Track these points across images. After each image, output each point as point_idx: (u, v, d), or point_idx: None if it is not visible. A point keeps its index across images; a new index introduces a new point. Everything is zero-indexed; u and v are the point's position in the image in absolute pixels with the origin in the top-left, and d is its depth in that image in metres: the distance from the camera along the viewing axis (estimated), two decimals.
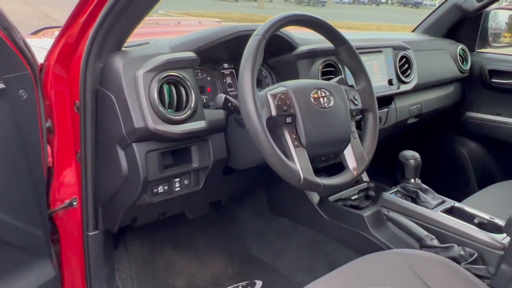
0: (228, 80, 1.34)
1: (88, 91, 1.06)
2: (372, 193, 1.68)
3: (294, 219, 1.69)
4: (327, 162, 1.53)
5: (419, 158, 1.47)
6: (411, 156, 1.48)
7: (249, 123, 0.97)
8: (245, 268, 1.66)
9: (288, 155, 1.02)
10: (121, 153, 1.08)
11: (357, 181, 1.70)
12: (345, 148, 1.15)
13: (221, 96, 1.05)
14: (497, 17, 2.25)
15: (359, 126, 1.31)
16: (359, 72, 1.22)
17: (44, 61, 1.13)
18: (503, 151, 2.08)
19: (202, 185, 1.22)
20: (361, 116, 1.25)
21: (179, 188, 1.17)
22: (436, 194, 1.47)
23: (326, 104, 1.09)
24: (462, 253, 1.26)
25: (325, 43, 1.37)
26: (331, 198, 1.59)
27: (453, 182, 2.18)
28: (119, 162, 1.09)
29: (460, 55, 2.05)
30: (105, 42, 1.03)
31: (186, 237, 1.71)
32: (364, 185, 1.69)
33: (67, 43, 1.09)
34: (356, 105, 1.18)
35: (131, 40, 1.12)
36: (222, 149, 1.22)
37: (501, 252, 1.21)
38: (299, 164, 1.01)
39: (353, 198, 1.63)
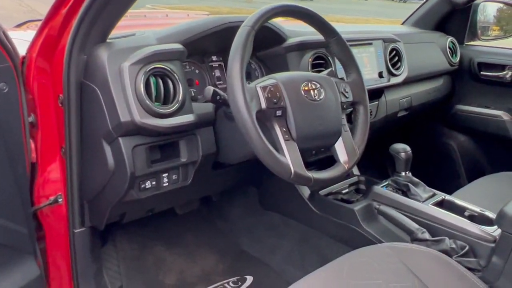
0: (217, 73, 1.32)
1: (72, 84, 1.03)
2: (362, 186, 1.67)
3: (285, 214, 1.67)
4: (317, 156, 1.52)
5: (410, 151, 1.46)
6: (402, 149, 1.47)
7: (238, 116, 0.94)
8: (235, 263, 1.64)
9: (278, 148, 1.00)
10: (107, 148, 1.05)
11: (347, 174, 1.69)
12: (336, 142, 1.14)
13: (210, 89, 1.02)
14: (486, 10, 2.25)
15: (350, 119, 1.29)
16: (350, 64, 1.20)
17: (26, 53, 1.10)
18: (492, 144, 2.08)
19: (190, 180, 1.19)
20: (351, 109, 1.24)
21: (167, 184, 1.14)
22: (427, 187, 1.46)
23: (316, 97, 1.07)
24: (453, 246, 1.25)
25: (315, 35, 1.35)
26: (322, 192, 1.57)
27: (442, 175, 2.18)
28: (105, 157, 1.06)
29: (449, 47, 2.04)
30: (89, 34, 0.99)
31: (175, 233, 1.68)
32: (354, 179, 1.68)
33: (50, 34, 1.05)
34: (347, 97, 1.16)
35: (116, 32, 1.09)
36: (211, 143, 1.19)
37: (492, 245, 1.21)
38: (289, 157, 1.00)
39: (343, 192, 1.62)
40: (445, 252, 1.22)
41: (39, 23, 1.09)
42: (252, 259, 1.66)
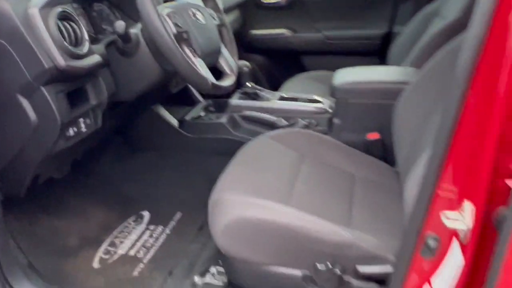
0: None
1: None
2: (212, 109, 1.94)
3: (158, 149, 1.81)
4: None
5: (250, 65, 1.80)
6: (244, 64, 1.79)
7: (162, 41, 1.07)
8: (126, 208, 1.69)
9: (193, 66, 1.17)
10: (25, 102, 1.02)
11: (194, 102, 1.94)
12: (219, 58, 1.36)
13: (121, 23, 1.09)
14: None
15: None
16: None
17: None
18: (282, 57, 2.60)
19: (101, 123, 1.24)
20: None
21: (85, 129, 1.17)
22: (268, 90, 1.84)
23: (202, 20, 1.26)
24: (306, 123, 1.68)
25: None
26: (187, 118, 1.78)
27: None
28: (24, 112, 1.02)
29: None
30: None
31: (56, 199, 1.63)
32: (203, 104, 1.93)
33: None
34: (216, 20, 1.39)
35: None
36: (112, 83, 1.25)
37: (329, 115, 1.67)
38: (204, 72, 1.18)
39: (202, 115, 1.86)
40: (302, 128, 1.64)
41: None
42: (140, 199, 1.75)
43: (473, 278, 0.74)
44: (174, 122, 1.75)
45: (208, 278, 1.28)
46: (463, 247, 0.74)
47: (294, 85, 2.19)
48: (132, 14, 1.35)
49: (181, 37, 1.16)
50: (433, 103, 1.16)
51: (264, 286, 1.17)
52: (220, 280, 1.26)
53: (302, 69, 2.51)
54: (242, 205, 1.13)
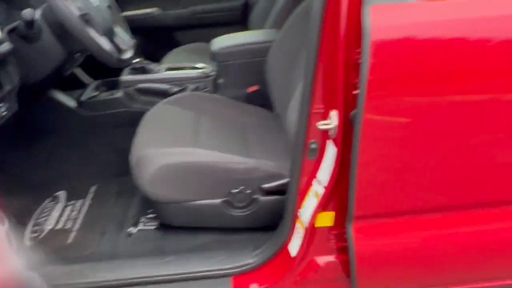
0: None
1: None
2: (103, 88, 2.06)
3: (59, 132, 1.88)
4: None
5: (134, 41, 1.95)
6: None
7: (70, 23, 1.21)
8: (41, 192, 1.75)
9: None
10: None
11: (84, 83, 2.05)
12: (114, 36, 1.52)
13: (29, 10, 1.20)
14: None
15: None
16: None
17: None
18: (155, 34, 2.76)
19: (18, 106, 1.33)
20: None
21: (6, 111, 1.26)
22: (153, 62, 2.02)
23: (95, 3, 1.41)
24: (194, 87, 1.92)
25: None
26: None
27: None
28: None
29: None
30: None
31: None
32: (94, 84, 2.05)
33: None
34: (105, 2, 1.54)
35: None
36: (19, 68, 1.34)
37: (213, 77, 1.94)
38: (109, 48, 1.35)
39: (96, 94, 1.98)
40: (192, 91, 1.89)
41: None
42: (51, 182, 1.78)
43: (343, 162, 1.09)
44: (72, 103, 1.85)
45: (141, 226, 1.48)
46: (334, 140, 1.08)
47: (173, 58, 2.38)
48: (17, 2, 1.42)
49: (84, 19, 1.31)
50: (296, 52, 1.50)
51: (191, 220, 1.42)
52: (152, 225, 1.47)
53: (176, 44, 2.70)
54: (162, 155, 1.36)
